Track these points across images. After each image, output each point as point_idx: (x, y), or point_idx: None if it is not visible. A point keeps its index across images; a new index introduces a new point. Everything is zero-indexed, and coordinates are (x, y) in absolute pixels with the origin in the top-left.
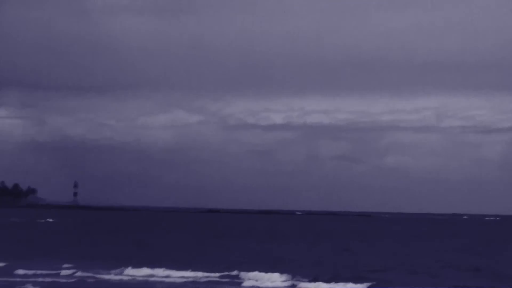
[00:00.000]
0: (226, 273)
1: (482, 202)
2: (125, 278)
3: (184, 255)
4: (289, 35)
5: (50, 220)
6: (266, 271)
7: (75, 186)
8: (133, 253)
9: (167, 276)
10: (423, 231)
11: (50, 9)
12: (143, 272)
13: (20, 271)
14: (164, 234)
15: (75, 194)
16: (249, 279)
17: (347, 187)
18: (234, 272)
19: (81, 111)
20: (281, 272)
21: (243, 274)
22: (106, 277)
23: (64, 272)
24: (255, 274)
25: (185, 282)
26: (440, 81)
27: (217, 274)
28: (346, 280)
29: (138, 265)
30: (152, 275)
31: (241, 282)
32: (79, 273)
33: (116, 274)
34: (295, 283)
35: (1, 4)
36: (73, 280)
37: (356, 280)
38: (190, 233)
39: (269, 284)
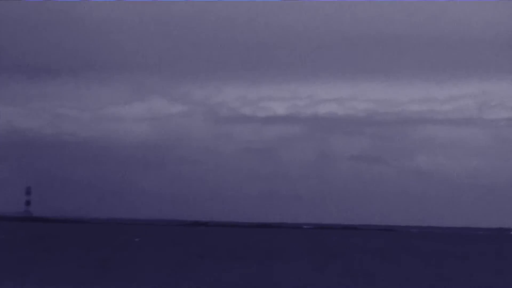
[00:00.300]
0: None
1: None
2: None
3: (162, 277)
4: (295, 6)
5: None
6: None
7: (28, 193)
8: (98, 275)
9: None
10: (461, 249)
11: None
12: None
13: None
14: (137, 251)
15: (27, 202)
16: None
17: (367, 195)
18: None
19: (36, 99)
20: None
21: None
22: None
23: None
24: None
25: None
26: (483, 62)
27: None
28: None
29: None
30: None
31: None
32: None
33: None
34: None
35: None
36: None
37: None
38: (170, 250)
39: None
